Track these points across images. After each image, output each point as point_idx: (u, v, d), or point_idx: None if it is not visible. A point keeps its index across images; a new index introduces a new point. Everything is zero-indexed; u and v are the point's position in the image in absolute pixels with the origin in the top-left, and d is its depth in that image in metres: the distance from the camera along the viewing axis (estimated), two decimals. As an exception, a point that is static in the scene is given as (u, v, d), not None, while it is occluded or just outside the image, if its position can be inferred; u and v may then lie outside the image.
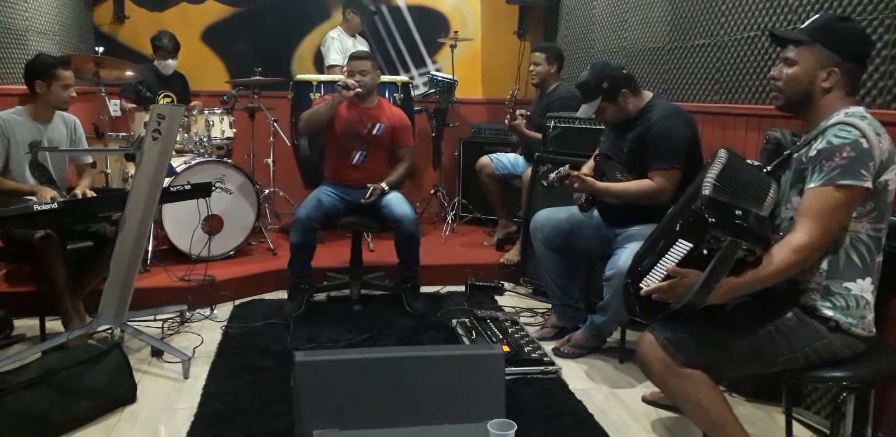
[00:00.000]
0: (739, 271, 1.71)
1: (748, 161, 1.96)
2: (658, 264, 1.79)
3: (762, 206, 1.76)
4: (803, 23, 2.55)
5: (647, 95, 2.86)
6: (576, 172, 2.78)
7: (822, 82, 1.78)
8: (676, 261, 1.74)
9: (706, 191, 1.70)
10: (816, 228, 1.68)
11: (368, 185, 3.48)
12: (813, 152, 1.71)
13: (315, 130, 3.59)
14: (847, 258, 1.75)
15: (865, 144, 1.66)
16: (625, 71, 2.83)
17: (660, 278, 1.77)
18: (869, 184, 1.67)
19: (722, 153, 1.86)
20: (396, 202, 3.48)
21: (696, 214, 1.68)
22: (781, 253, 1.70)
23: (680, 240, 1.73)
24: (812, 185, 1.70)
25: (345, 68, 3.54)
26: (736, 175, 1.80)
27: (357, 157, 3.57)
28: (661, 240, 1.85)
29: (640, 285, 1.83)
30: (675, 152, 2.71)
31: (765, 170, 1.90)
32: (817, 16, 1.86)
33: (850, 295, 1.76)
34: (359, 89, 3.42)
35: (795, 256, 1.69)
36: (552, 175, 2.85)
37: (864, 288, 1.76)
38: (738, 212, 1.66)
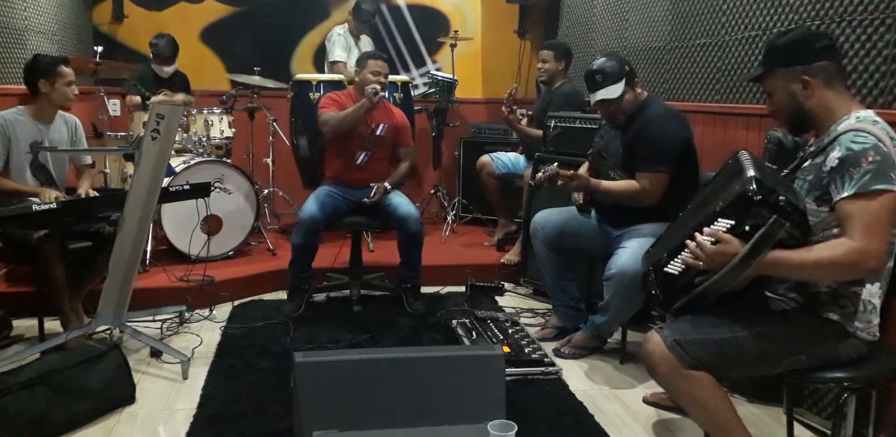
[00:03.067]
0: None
1: (766, 164, 1.97)
2: (686, 250, 1.80)
3: (799, 201, 1.75)
4: (804, 22, 2.55)
5: (643, 93, 2.86)
6: (563, 171, 2.77)
7: (803, 93, 1.79)
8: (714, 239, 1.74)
9: (752, 172, 1.70)
10: (867, 234, 1.62)
11: (371, 184, 3.48)
12: (834, 162, 1.68)
13: (342, 134, 3.54)
14: None
15: (885, 148, 1.65)
16: (627, 67, 2.82)
17: (685, 260, 1.79)
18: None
19: (745, 154, 1.85)
20: (400, 201, 3.49)
21: (742, 192, 1.68)
22: (835, 247, 1.65)
23: (720, 219, 1.74)
24: (846, 194, 1.65)
25: (366, 68, 3.49)
26: (767, 171, 1.81)
27: (361, 157, 3.57)
28: (682, 231, 1.86)
29: (666, 269, 1.85)
30: (663, 155, 2.70)
31: (782, 173, 1.89)
32: (764, 46, 1.91)
33: (857, 300, 1.75)
34: (383, 93, 3.45)
35: (848, 256, 1.62)
36: (539, 174, 2.85)
37: (872, 293, 1.75)
38: (781, 197, 1.66)
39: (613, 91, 2.75)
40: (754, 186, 1.66)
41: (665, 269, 1.90)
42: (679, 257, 1.85)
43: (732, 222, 1.72)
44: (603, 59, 2.82)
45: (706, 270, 1.75)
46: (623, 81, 2.74)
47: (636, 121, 2.78)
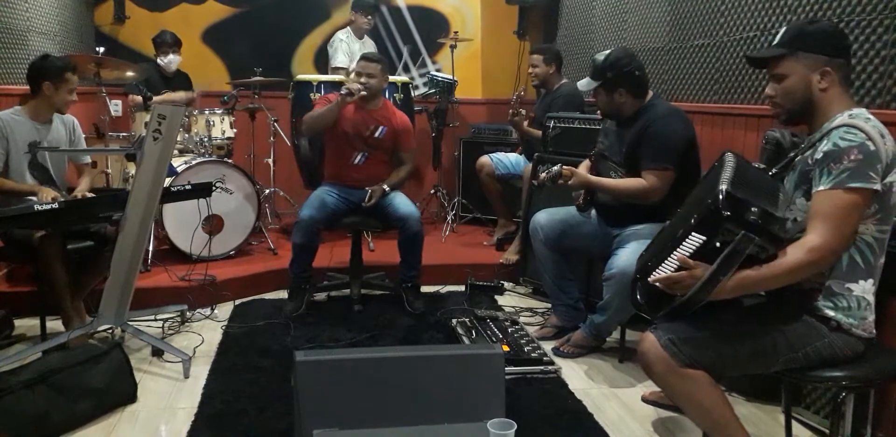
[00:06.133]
0: (750, 267, 1.71)
1: (754, 164, 1.97)
2: (668, 258, 1.79)
3: (776, 207, 1.76)
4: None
5: (648, 94, 2.86)
6: (566, 169, 2.78)
7: (819, 84, 1.78)
8: (688, 254, 1.74)
9: (724, 185, 1.69)
10: (829, 230, 1.66)
11: (367, 188, 3.48)
12: (819, 155, 1.71)
13: (318, 133, 3.60)
14: (850, 260, 1.75)
15: (872, 147, 1.66)
16: (637, 73, 2.78)
17: (670, 270, 1.77)
18: (877, 186, 1.67)
19: (729, 157, 1.85)
20: (400, 201, 3.50)
21: (712, 208, 1.67)
22: (795, 253, 1.69)
23: (693, 233, 1.74)
24: (821, 188, 1.68)
25: (353, 68, 3.54)
26: (748, 176, 1.81)
27: (358, 158, 3.57)
28: (670, 237, 1.86)
29: (649, 279, 1.84)
30: (669, 153, 2.71)
31: (770, 172, 1.90)
32: (785, 28, 1.86)
33: (851, 296, 1.76)
34: (363, 92, 3.42)
35: (809, 256, 1.67)
36: (542, 175, 2.86)
37: (865, 289, 1.76)
38: (753, 209, 1.66)
39: (585, 85, 2.85)
40: (722, 202, 1.65)
41: (649, 278, 1.89)
42: (658, 269, 1.84)
43: (704, 239, 1.71)
44: (608, 53, 2.81)
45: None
46: (599, 83, 2.79)
47: (640, 120, 2.79)
